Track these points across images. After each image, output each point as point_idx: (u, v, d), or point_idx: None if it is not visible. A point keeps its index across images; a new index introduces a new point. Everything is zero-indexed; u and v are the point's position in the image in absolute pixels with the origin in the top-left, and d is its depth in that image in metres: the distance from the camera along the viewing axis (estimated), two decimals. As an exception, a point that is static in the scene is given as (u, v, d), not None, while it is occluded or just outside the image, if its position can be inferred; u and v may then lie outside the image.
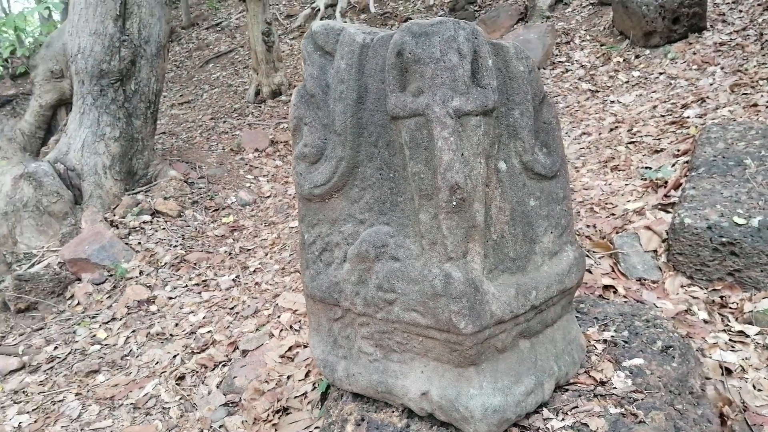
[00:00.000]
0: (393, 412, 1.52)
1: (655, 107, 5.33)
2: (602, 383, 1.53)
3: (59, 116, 5.34)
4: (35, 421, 2.60)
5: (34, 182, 4.45)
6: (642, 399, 1.45)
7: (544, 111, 1.58)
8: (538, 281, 1.47)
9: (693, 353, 1.85)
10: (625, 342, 1.73)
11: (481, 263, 1.36)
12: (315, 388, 2.54)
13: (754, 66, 5.53)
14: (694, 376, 1.71)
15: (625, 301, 2.80)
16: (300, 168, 1.59)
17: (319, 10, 11.41)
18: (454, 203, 1.29)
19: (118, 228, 4.48)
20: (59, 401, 2.75)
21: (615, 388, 1.50)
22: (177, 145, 6.98)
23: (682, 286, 2.90)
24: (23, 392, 2.84)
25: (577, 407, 1.43)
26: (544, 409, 1.43)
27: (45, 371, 3.02)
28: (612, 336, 1.77)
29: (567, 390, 1.52)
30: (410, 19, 10.28)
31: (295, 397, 2.64)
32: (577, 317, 1.94)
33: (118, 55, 4.91)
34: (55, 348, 3.23)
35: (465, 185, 1.29)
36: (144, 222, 4.63)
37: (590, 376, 1.56)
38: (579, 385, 1.53)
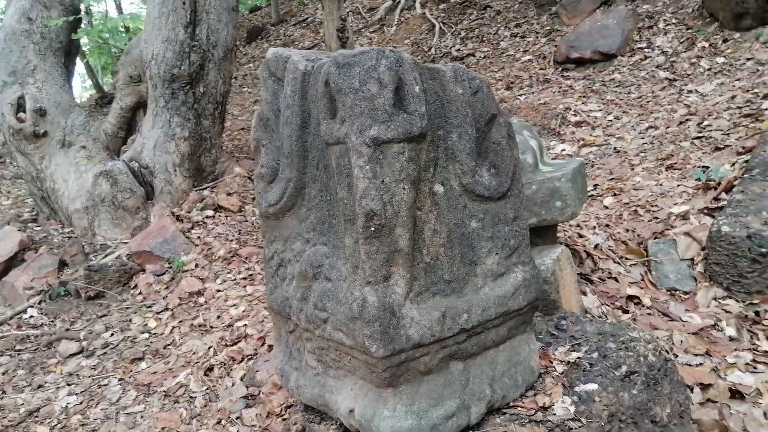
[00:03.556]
0: (333, 424, 1.59)
1: (733, 97, 4.93)
2: (544, 408, 1.51)
3: (138, 117, 5.80)
4: (80, 403, 2.90)
5: (111, 179, 4.89)
6: (577, 428, 1.42)
7: (493, 131, 1.56)
8: (472, 304, 1.47)
9: (674, 378, 1.76)
10: (590, 364, 1.68)
11: (405, 286, 1.39)
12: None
13: None
14: (661, 403, 1.63)
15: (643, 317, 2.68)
16: (259, 187, 1.68)
17: (399, 1, 11.44)
18: (372, 229, 1.33)
19: (183, 222, 4.82)
20: (104, 385, 3.05)
21: (555, 414, 1.47)
22: (250, 142, 7.34)
23: (715, 299, 2.73)
24: (76, 375, 3.17)
25: (506, 433, 1.42)
26: (470, 432, 1.44)
27: (98, 356, 3.35)
28: (579, 357, 1.72)
29: (504, 413, 1.51)
30: (489, 7, 10.08)
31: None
32: (553, 335, 1.90)
33: (188, 60, 5.24)
34: (112, 335, 3.57)
35: (383, 212, 1.32)
36: (207, 217, 4.95)
37: (535, 400, 1.54)
38: (520, 408, 1.52)
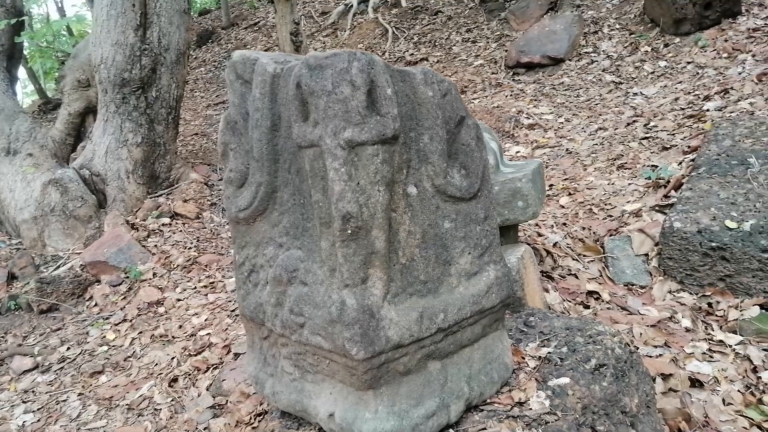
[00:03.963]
0: (311, 430, 1.58)
1: (676, 99, 5.15)
2: (520, 403, 1.54)
3: (88, 123, 5.62)
4: (38, 420, 2.79)
5: (61, 188, 4.72)
6: (553, 421, 1.46)
7: (462, 133, 1.58)
8: (448, 303, 1.49)
9: (640, 369, 1.82)
10: (561, 359, 1.73)
11: (383, 288, 1.39)
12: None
13: (788, 52, 5.24)
14: (630, 394, 1.69)
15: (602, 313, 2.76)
16: (228, 192, 1.65)
17: (351, 6, 11.46)
18: (349, 232, 1.33)
19: (138, 231, 4.69)
20: (63, 401, 2.93)
21: (531, 409, 1.51)
22: (205, 147, 7.21)
23: (670, 292, 2.84)
24: (32, 391, 3.04)
25: (485, 429, 1.44)
26: (450, 430, 1.46)
27: (55, 371, 3.22)
28: (549, 352, 1.76)
29: (482, 410, 1.53)
30: (441, 12, 10.21)
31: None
32: (522, 331, 1.95)
33: (139, 63, 5.12)
34: (68, 348, 3.44)
35: (359, 214, 1.32)
36: (163, 224, 4.83)
37: (511, 395, 1.57)
38: (497, 405, 1.55)
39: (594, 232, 3.34)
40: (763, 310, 2.60)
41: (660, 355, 2.41)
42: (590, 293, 2.86)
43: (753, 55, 5.38)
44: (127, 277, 4.15)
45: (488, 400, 1.57)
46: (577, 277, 2.98)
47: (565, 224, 3.50)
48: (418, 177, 1.49)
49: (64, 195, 4.73)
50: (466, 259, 1.57)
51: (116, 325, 3.65)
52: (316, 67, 1.34)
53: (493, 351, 1.63)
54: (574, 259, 3.12)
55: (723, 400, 2.14)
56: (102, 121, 5.16)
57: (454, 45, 8.73)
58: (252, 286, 1.65)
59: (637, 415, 1.71)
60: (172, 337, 3.39)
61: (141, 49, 5.13)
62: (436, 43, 8.99)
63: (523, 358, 1.75)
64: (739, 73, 5.15)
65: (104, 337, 3.53)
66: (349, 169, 1.32)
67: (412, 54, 8.88)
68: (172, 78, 5.41)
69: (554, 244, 3.22)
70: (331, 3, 12.49)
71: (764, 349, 2.39)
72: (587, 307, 2.77)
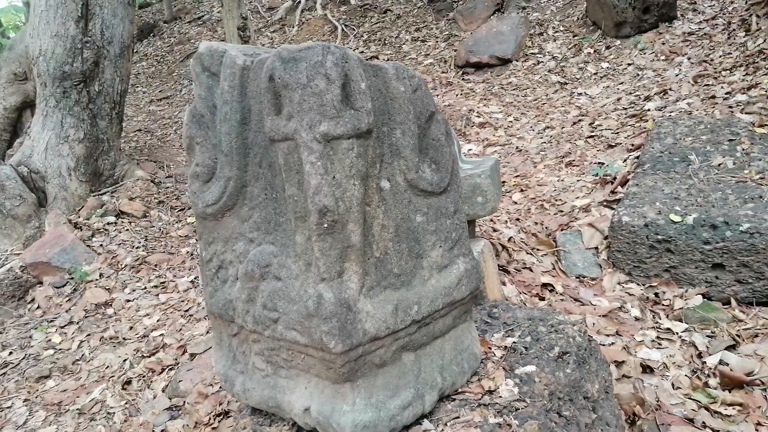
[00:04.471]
0: (285, 425, 1.57)
1: (619, 99, 5.35)
2: (490, 392, 1.58)
3: (25, 118, 5.36)
4: (-20, 428, 2.66)
5: (-3, 186, 4.48)
6: (523, 408, 1.50)
7: (432, 128, 1.61)
8: (421, 296, 1.51)
9: (598, 356, 1.89)
10: (525, 348, 1.78)
11: (359, 282, 1.40)
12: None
13: (720, 56, 5.54)
14: (591, 380, 1.76)
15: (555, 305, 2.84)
16: (194, 187, 1.62)
17: (300, 1, 11.36)
18: (325, 225, 1.33)
19: (81, 230, 4.51)
20: (7, 407, 2.80)
21: (501, 396, 1.55)
22: (150, 143, 7.00)
23: (619, 283, 2.95)
24: (-28, 399, 2.89)
25: (458, 417, 1.47)
26: (425, 420, 1.48)
27: (-3, 377, 3.07)
28: (514, 342, 1.81)
29: (454, 400, 1.56)
30: (390, 11, 10.25)
31: (237, 401, 2.68)
32: (487, 322, 1.99)
33: (81, 56, 4.92)
34: (10, 353, 3.28)
35: (336, 208, 1.33)
36: (108, 223, 4.66)
37: (480, 384, 1.61)
38: (467, 394, 1.58)
39: (546, 227, 3.44)
40: (706, 299, 2.75)
41: (612, 343, 2.51)
42: (544, 285, 2.95)
43: (688, 58, 5.65)
44: (72, 278, 3.99)
45: (460, 390, 1.60)
46: (531, 270, 3.06)
47: (518, 219, 3.59)
48: (390, 171, 1.50)
49: (1, 193, 4.49)
50: (438, 252, 1.59)
51: (62, 327, 3.51)
52: (290, 60, 1.33)
53: (463, 342, 1.67)
54: (528, 253, 3.20)
55: (672, 385, 2.26)
56: (41, 116, 4.93)
57: (404, 44, 8.79)
58: (220, 283, 1.63)
59: (598, 400, 1.78)
60: (123, 338, 3.29)
61: (83, 42, 4.93)
62: (386, 42, 9.03)
63: (490, 348, 1.79)
64: (677, 75, 5.40)
65: (49, 340, 3.38)
66: (325, 163, 1.32)
67: (362, 52, 8.89)
68: (115, 72, 5.23)
69: (509, 239, 3.30)
70: (278, -1, 12.34)
71: (708, 336, 2.53)
72: (542, 298, 2.86)
